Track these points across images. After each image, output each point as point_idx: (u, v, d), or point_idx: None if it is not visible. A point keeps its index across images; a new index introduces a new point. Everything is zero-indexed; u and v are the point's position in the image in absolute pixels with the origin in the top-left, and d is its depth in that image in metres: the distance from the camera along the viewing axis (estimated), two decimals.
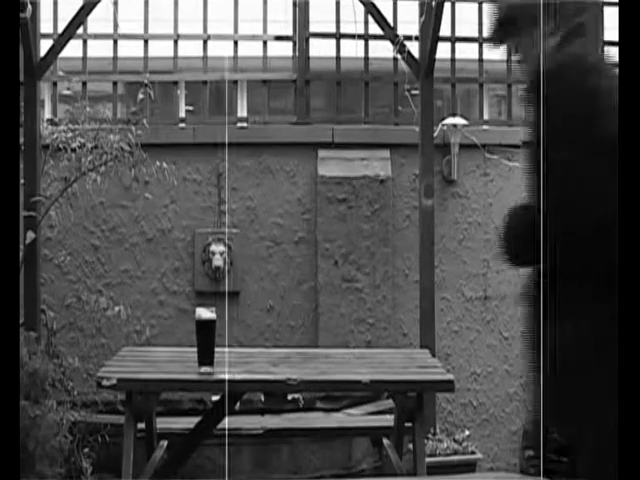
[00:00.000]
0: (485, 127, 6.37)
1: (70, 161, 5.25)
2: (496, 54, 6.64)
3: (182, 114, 6.95)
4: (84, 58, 6.03)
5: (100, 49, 6.17)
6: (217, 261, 5.81)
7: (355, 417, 5.49)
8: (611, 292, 2.51)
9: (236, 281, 5.90)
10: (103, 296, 5.63)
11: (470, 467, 5.52)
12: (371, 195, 5.86)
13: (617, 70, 2.71)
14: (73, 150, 5.23)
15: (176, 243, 5.93)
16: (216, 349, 4.03)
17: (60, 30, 5.50)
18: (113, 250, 5.88)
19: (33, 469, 4.10)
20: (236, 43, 6.15)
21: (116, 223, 5.89)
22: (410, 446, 4.64)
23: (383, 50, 6.08)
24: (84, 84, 5.97)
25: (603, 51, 6.11)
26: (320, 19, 6.27)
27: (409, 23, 5.92)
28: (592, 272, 2.62)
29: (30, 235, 5.08)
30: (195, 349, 4.02)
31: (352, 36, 6.14)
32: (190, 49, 6.17)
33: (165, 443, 4.91)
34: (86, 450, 4.92)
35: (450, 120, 6.04)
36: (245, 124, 6.18)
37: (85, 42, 6.01)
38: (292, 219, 5.98)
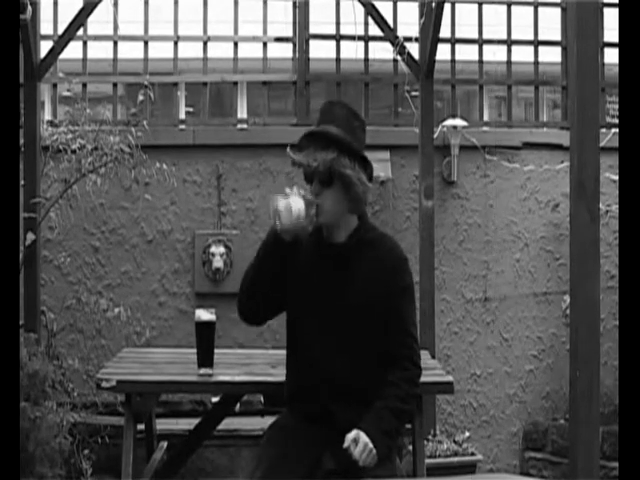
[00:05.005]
0: (485, 128, 6.37)
1: (70, 162, 5.24)
2: (496, 55, 6.63)
3: (182, 115, 6.96)
4: (84, 59, 6.03)
5: (100, 50, 6.17)
6: (217, 262, 5.81)
7: None
8: None
9: (236, 282, 5.88)
10: (103, 297, 5.63)
11: (470, 468, 5.52)
12: (371, 196, 5.85)
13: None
14: (73, 151, 5.23)
15: (176, 244, 5.93)
16: (216, 350, 4.03)
17: (60, 31, 5.49)
18: (113, 251, 5.88)
19: (33, 470, 4.09)
20: (236, 44, 6.15)
21: (116, 224, 5.89)
22: (410, 447, 4.63)
23: (383, 51, 6.08)
24: (84, 85, 5.96)
25: (602, 51, 6.13)
26: (320, 20, 6.27)
27: (409, 24, 5.92)
28: None
29: (30, 236, 5.07)
30: (195, 350, 4.01)
31: (352, 37, 6.14)
32: (190, 50, 6.18)
33: (165, 444, 4.91)
34: (86, 451, 4.92)
35: (450, 121, 6.04)
36: (245, 125, 6.18)
37: (85, 43, 6.01)
38: None
